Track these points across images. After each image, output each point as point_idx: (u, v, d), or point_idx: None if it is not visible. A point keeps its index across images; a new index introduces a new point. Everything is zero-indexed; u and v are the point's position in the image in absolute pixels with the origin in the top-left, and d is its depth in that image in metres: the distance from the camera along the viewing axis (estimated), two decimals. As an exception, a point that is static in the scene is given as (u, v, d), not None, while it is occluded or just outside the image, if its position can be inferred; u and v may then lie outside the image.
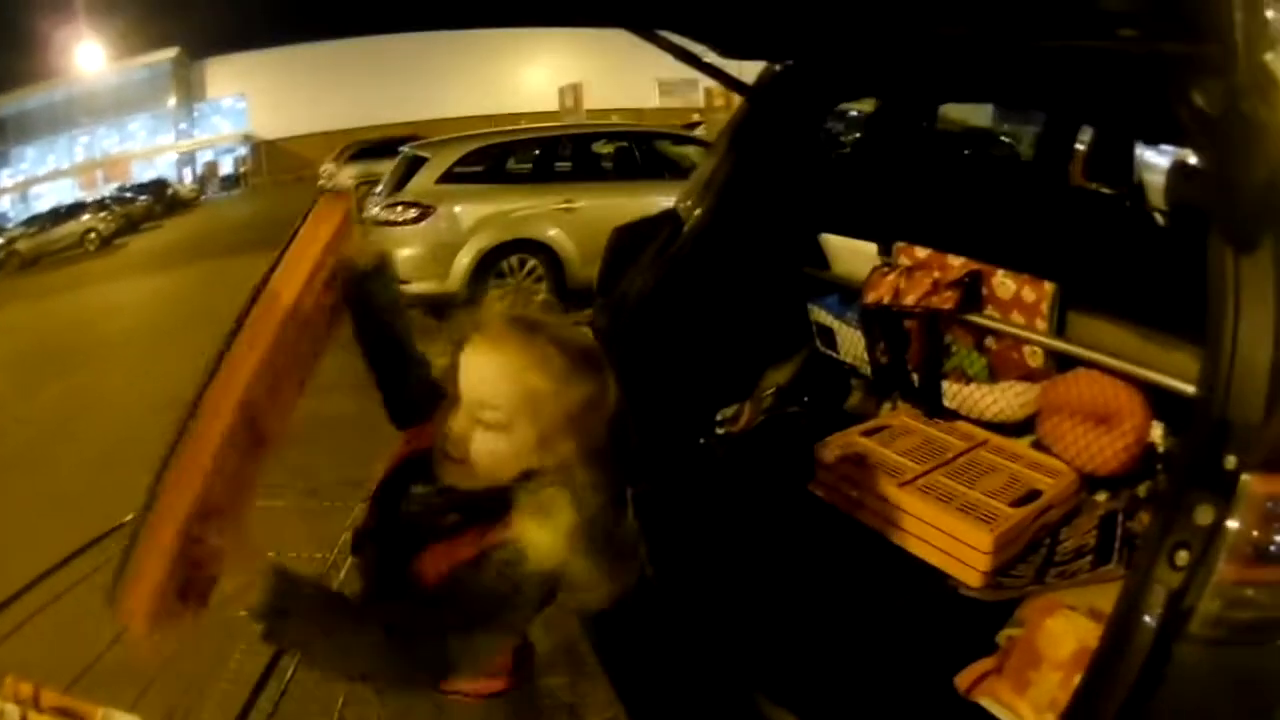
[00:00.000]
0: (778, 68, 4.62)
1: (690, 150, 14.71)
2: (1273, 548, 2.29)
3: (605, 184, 13.76)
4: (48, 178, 68.71)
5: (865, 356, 4.68)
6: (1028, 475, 3.95)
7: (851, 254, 4.71)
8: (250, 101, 74.01)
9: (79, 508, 7.06)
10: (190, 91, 73.82)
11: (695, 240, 4.41)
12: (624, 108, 53.15)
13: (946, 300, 4.09)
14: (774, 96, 4.63)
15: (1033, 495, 3.78)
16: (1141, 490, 3.70)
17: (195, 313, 17.08)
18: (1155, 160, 7.28)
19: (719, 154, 4.63)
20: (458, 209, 12.65)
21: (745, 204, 4.53)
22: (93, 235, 38.43)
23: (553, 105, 33.30)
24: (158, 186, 55.68)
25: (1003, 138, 17.54)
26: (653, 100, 63.41)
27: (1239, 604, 2.31)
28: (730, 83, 4.67)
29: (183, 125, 73.46)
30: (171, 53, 69.78)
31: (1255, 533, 2.28)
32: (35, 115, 67.68)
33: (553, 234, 12.66)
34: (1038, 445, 4.16)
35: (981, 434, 4.33)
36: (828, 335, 4.96)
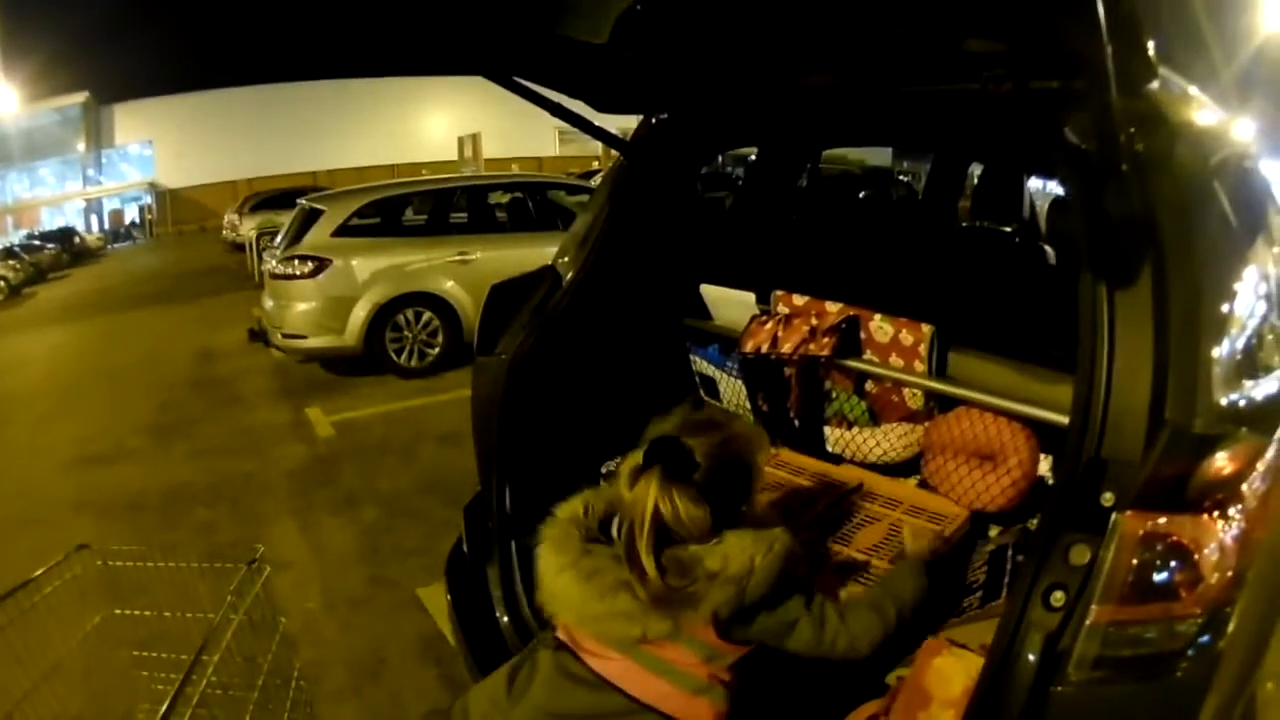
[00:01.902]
0: (653, 120, 4.60)
1: (586, 199, 14.74)
2: (1153, 581, 2.31)
3: (500, 235, 13.93)
4: (-41, 222, 68.54)
5: (748, 405, 4.69)
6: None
7: (731, 304, 4.72)
8: (156, 149, 73.88)
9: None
10: (99, 137, 73.77)
11: (574, 295, 4.39)
12: (524, 156, 53.54)
13: (823, 347, 4.11)
14: (650, 149, 4.63)
15: None
16: (1033, 524, 3.66)
17: (97, 368, 17.04)
18: (1055, 192, 7.36)
19: (595, 208, 4.62)
20: (354, 262, 12.69)
21: (623, 257, 4.52)
22: (2, 284, 38.14)
23: (453, 154, 33.30)
24: (65, 235, 55.64)
25: (900, 176, 17.73)
26: (552, 149, 63.84)
27: (1119, 642, 2.33)
28: (607, 138, 4.66)
29: (91, 171, 73.35)
30: (81, 97, 69.82)
31: (1131, 570, 2.30)
32: (-54, 158, 67.49)
33: (448, 286, 12.78)
34: (923, 484, 4.13)
35: (856, 476, 4.25)
36: (710, 385, 4.97)
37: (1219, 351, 2.42)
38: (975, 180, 6.86)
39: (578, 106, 4.17)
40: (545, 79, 3.90)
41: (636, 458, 2.94)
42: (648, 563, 2.78)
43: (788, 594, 2.92)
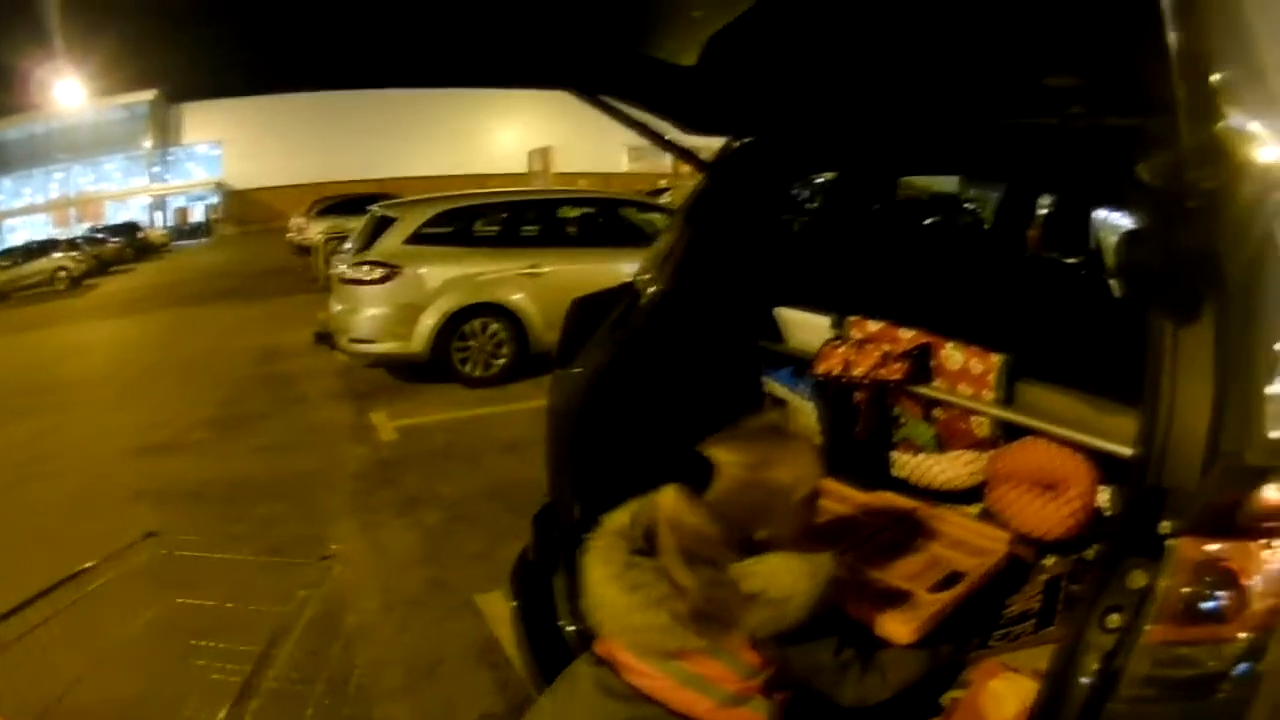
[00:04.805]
0: (737, 143, 4.70)
1: (655, 217, 14.98)
2: (1202, 607, 2.37)
3: (570, 249, 13.95)
4: (22, 211, 68.87)
5: (818, 428, 4.74)
6: (949, 556, 3.83)
7: (806, 327, 4.79)
8: (224, 149, 74.12)
9: (47, 548, 7.06)
10: (166, 135, 74.13)
11: (652, 313, 4.48)
12: (592, 172, 53.27)
13: (895, 372, 4.16)
14: (733, 171, 4.70)
15: (954, 578, 3.64)
16: (1089, 554, 3.67)
17: (160, 360, 17.16)
18: (1120, 224, 7.32)
19: (677, 228, 4.71)
20: (424, 270, 12.84)
21: (702, 278, 4.60)
22: (63, 274, 38.61)
23: (522, 167, 33.33)
24: (130, 229, 56.13)
25: (967, 204, 17.62)
26: (621, 165, 63.57)
27: (1170, 663, 2.40)
28: (687, 157, 4.73)
29: (157, 168, 73.69)
30: (150, 95, 70.27)
31: (1184, 594, 2.36)
32: (12, 148, 67.97)
33: (517, 298, 12.90)
34: (985, 514, 4.14)
35: (899, 507, 4.25)
36: (782, 407, 5.01)
37: (1273, 388, 2.48)
38: (1041, 211, 6.83)
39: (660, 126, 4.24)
40: (633, 97, 3.98)
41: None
42: (680, 575, 2.82)
43: (825, 631, 2.97)
